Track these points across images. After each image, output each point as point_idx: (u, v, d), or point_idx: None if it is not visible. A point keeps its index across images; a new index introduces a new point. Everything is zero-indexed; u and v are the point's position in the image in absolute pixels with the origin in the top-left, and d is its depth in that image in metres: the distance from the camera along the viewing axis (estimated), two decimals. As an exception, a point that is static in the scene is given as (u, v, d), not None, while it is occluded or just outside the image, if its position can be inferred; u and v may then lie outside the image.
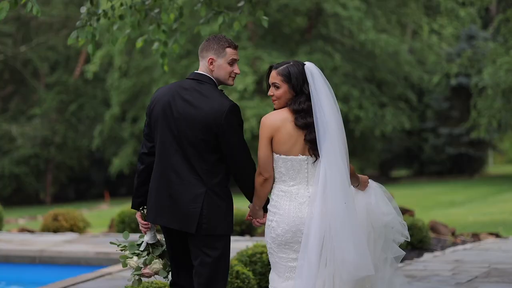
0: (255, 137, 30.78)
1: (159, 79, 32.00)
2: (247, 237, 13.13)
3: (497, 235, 12.76)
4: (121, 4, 8.26)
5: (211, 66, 5.54)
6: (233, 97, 29.29)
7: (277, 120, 5.41)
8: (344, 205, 5.24)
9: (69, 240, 13.20)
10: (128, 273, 9.99)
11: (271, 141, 5.42)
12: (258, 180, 5.46)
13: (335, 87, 30.28)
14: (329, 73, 29.88)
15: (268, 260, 7.97)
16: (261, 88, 30.45)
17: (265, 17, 8.41)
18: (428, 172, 36.62)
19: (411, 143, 37.14)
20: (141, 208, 5.73)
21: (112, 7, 8.18)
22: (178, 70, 31.44)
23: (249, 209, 5.66)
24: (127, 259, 5.80)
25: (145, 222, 5.71)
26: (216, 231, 5.46)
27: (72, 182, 39.10)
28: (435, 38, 34.20)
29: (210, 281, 5.50)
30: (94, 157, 38.78)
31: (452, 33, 34.88)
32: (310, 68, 5.44)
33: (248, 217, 5.67)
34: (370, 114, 30.90)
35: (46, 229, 14.61)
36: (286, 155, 5.40)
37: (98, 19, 8.02)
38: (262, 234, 13.31)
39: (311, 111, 5.36)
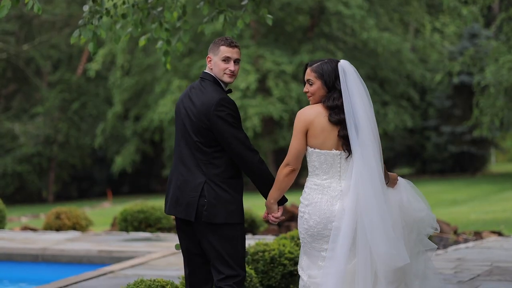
0: (258, 135, 30.82)
1: (161, 78, 32.03)
2: (249, 236, 13.14)
3: (499, 234, 12.76)
4: (124, 3, 8.26)
5: (209, 64, 5.86)
6: (236, 95, 29.30)
7: (311, 114, 5.57)
8: (375, 200, 5.43)
9: (72, 239, 13.22)
10: (129, 271, 10.01)
11: (306, 135, 5.58)
12: (283, 170, 5.61)
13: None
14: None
15: (271, 259, 8.08)
16: (264, 86, 30.47)
17: (269, 16, 8.42)
18: (431, 170, 36.62)
19: (414, 141, 37.14)
20: None
21: (115, 6, 8.19)
22: (180, 68, 31.47)
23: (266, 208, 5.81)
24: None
25: None
26: (215, 219, 5.66)
27: (74, 180, 39.14)
28: (437, 37, 34.19)
29: (216, 268, 5.74)
30: (96, 156, 38.82)
31: (454, 31, 34.88)
32: (343, 65, 5.61)
33: (265, 215, 5.83)
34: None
35: (48, 227, 14.63)
36: (320, 149, 5.57)
37: (100, 18, 8.02)
38: (264, 232, 13.33)
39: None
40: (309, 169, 5.64)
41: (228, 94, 5.87)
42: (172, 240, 12.91)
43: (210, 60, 5.83)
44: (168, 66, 8.75)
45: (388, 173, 5.74)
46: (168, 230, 14.33)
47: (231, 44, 5.79)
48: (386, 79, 33.51)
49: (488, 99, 24.30)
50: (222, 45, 5.78)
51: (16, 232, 14.50)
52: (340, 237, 5.45)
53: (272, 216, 5.76)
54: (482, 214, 16.56)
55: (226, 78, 5.81)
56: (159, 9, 8.57)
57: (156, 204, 14.79)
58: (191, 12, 26.21)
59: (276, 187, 5.67)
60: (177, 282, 7.83)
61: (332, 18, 32.01)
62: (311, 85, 5.64)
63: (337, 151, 5.56)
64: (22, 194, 37.02)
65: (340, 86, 5.56)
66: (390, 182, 5.74)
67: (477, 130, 25.91)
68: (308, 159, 5.64)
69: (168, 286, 7.07)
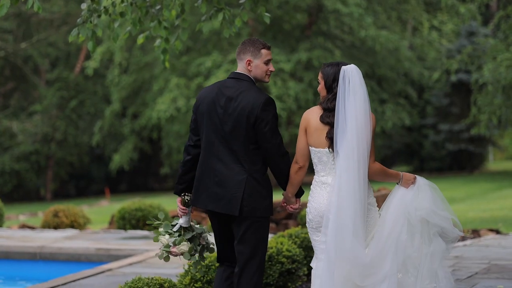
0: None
1: (159, 76, 32.02)
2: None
3: (497, 232, 12.77)
4: (122, 1, 8.26)
5: (249, 67, 6.18)
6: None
7: (309, 115, 6.01)
8: (349, 200, 5.74)
9: (70, 237, 13.22)
10: (127, 269, 10.02)
11: (306, 133, 6.01)
12: (293, 167, 6.05)
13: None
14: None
15: (268, 257, 8.18)
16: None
17: (267, 14, 8.43)
18: (428, 168, 36.63)
19: (411, 139, 37.15)
20: (182, 194, 6.35)
21: (113, 4, 8.18)
22: (178, 66, 31.46)
23: (283, 197, 6.23)
24: (159, 235, 6.40)
25: (183, 207, 6.38)
26: (256, 213, 6.07)
27: (72, 178, 39.14)
28: (435, 35, 34.20)
29: (249, 258, 6.11)
30: (94, 154, 38.82)
31: (452, 29, 34.89)
32: (346, 69, 5.93)
33: (283, 204, 6.24)
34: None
35: (46, 225, 14.63)
36: (315, 147, 5.98)
37: (99, 16, 8.02)
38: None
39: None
40: (313, 166, 6.06)
41: None
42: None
43: (250, 63, 6.15)
44: (166, 64, 8.76)
45: (402, 173, 6.04)
46: (166, 228, 14.32)
47: (269, 47, 6.21)
48: (384, 77, 33.52)
49: (486, 97, 24.31)
50: (262, 48, 6.16)
51: (14, 230, 14.51)
52: (329, 228, 5.80)
53: (291, 207, 6.22)
54: (480, 212, 16.58)
55: (267, 79, 6.23)
56: (158, 7, 8.58)
57: (154, 202, 14.80)
58: (189, 10, 26.15)
59: (290, 183, 6.10)
60: (174, 280, 7.84)
61: (330, 16, 32.01)
62: (319, 84, 6.06)
63: (330, 149, 5.93)
64: (20, 192, 37.02)
65: (337, 89, 5.89)
66: (402, 181, 6.02)
67: (475, 128, 25.92)
68: (310, 157, 6.02)
69: (166, 284, 7.08)
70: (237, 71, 6.22)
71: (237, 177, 6.05)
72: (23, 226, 15.22)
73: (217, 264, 7.57)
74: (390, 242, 5.85)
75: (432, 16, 33.96)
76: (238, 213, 6.03)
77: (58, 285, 9.16)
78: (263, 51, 6.16)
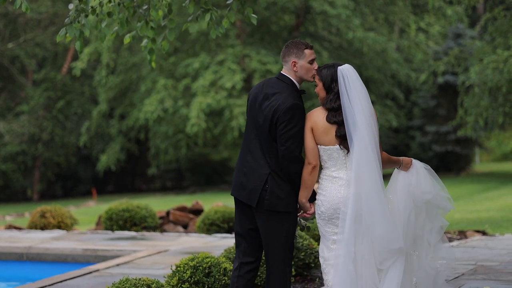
0: (243, 135, 30.79)
1: (147, 76, 31.98)
2: (235, 234, 13.13)
3: (483, 233, 12.82)
4: (109, 1, 8.25)
5: (294, 68, 6.46)
6: (221, 95, 29.30)
7: (315, 116, 6.34)
8: (374, 191, 6.15)
9: (57, 237, 13.20)
10: (114, 270, 10.01)
11: (312, 133, 6.32)
12: (306, 169, 6.31)
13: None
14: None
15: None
16: (249, 86, 30.47)
17: (254, 15, 8.44)
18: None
19: (398, 140, 37.24)
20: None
21: (101, 4, 8.18)
22: (166, 67, 31.42)
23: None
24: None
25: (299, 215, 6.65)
26: (276, 207, 6.34)
27: (59, 179, 39.01)
28: (422, 36, 34.27)
29: (271, 251, 6.40)
30: (81, 154, 38.71)
31: (439, 31, 34.97)
32: (342, 69, 6.29)
33: (299, 214, 6.49)
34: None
35: (33, 226, 14.59)
36: (325, 146, 6.30)
37: (86, 16, 8.01)
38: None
39: (341, 109, 6.25)
40: (321, 163, 6.36)
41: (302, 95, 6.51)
42: (157, 239, 12.90)
43: (296, 64, 6.44)
44: (153, 64, 8.76)
45: (401, 158, 6.55)
46: (153, 229, 14.33)
47: (311, 47, 6.48)
48: (371, 78, 33.58)
49: (472, 99, 24.41)
50: (305, 48, 6.45)
51: (0, 231, 14.46)
52: (346, 221, 6.15)
53: (306, 214, 6.46)
54: (466, 214, 16.62)
55: (311, 78, 6.45)
56: (145, 7, 8.57)
57: (141, 203, 14.78)
58: (177, 10, 26.17)
59: (303, 186, 6.36)
60: (162, 281, 7.84)
61: (317, 17, 32.05)
62: (316, 86, 6.38)
63: (341, 146, 6.28)
64: (7, 193, 36.85)
65: (337, 88, 6.26)
66: (402, 166, 6.57)
67: (462, 130, 26.03)
68: (319, 154, 6.33)
69: (154, 285, 7.09)
70: (281, 72, 6.53)
71: (261, 170, 6.38)
72: (10, 227, 15.18)
73: (204, 265, 7.62)
74: (401, 224, 6.33)
75: (419, 18, 34.04)
76: (255, 205, 6.35)
77: (46, 286, 9.14)
78: (306, 51, 6.43)
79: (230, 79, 29.33)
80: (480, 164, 41.31)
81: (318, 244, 9.52)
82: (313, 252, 9.01)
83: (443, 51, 33.88)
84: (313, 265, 8.99)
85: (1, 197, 36.08)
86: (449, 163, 35.69)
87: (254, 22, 8.39)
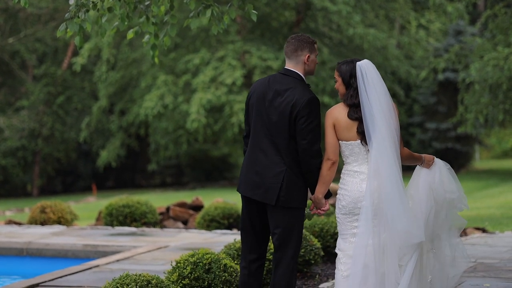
0: (243, 130, 30.78)
1: (147, 72, 31.96)
2: (235, 231, 13.16)
3: (483, 230, 12.82)
4: (110, -4, 8.24)
5: (307, 62, 6.50)
6: (222, 91, 29.29)
7: (335, 112, 6.36)
8: (395, 185, 6.21)
9: (57, 233, 13.20)
10: (114, 266, 10.02)
11: (334, 129, 6.35)
12: (326, 165, 6.36)
13: (323, 81, 30.34)
14: (317, 67, 29.90)
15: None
16: (250, 82, 30.46)
17: (254, 11, 8.43)
18: (415, 166, 36.67)
19: (398, 137, 37.19)
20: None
21: (101, -1, 8.17)
22: (166, 63, 31.41)
23: (311, 202, 6.54)
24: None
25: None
26: (291, 203, 6.39)
27: (59, 174, 39.01)
28: (422, 33, 34.27)
29: (284, 244, 6.43)
30: (81, 150, 38.71)
31: (439, 28, 34.96)
32: (361, 64, 6.33)
33: (313, 209, 6.54)
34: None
35: (33, 221, 14.58)
36: (346, 141, 6.34)
37: (87, 11, 8.00)
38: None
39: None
40: (343, 158, 6.43)
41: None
42: (157, 235, 12.90)
43: (308, 58, 6.50)
44: (156, 60, 8.76)
45: (423, 155, 6.64)
46: (153, 224, 14.33)
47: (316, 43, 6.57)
48: (371, 75, 33.52)
49: (472, 96, 24.42)
50: (315, 43, 6.54)
51: (0, 226, 14.46)
52: (366, 214, 6.21)
53: (321, 210, 6.50)
54: (466, 211, 16.62)
55: (314, 71, 6.59)
56: (146, 3, 8.56)
57: (142, 198, 14.78)
58: (178, 6, 26.13)
59: (321, 181, 6.40)
60: (162, 276, 7.84)
61: (318, 14, 32.03)
62: (335, 82, 6.42)
63: (363, 141, 6.32)
64: (6, 188, 36.86)
65: (356, 84, 6.29)
66: (424, 163, 6.67)
67: (462, 127, 26.04)
68: (340, 150, 6.39)
69: (154, 281, 7.09)
70: (286, 68, 6.52)
71: (276, 168, 6.38)
72: (10, 222, 15.17)
73: (204, 261, 7.62)
74: (422, 219, 6.38)
75: (419, 15, 34.02)
76: (274, 203, 6.36)
77: (46, 281, 9.14)
78: (316, 46, 6.53)
79: (230, 75, 29.33)
80: (480, 161, 41.31)
81: (318, 241, 9.56)
82: (313, 248, 9.01)
83: (444, 48, 33.86)
84: (313, 261, 8.99)
85: (1, 192, 36.09)
86: (449, 160, 35.45)
87: (254, 18, 8.39)
